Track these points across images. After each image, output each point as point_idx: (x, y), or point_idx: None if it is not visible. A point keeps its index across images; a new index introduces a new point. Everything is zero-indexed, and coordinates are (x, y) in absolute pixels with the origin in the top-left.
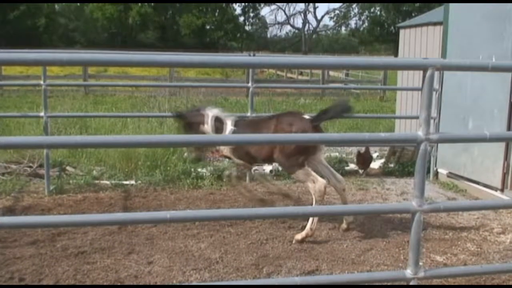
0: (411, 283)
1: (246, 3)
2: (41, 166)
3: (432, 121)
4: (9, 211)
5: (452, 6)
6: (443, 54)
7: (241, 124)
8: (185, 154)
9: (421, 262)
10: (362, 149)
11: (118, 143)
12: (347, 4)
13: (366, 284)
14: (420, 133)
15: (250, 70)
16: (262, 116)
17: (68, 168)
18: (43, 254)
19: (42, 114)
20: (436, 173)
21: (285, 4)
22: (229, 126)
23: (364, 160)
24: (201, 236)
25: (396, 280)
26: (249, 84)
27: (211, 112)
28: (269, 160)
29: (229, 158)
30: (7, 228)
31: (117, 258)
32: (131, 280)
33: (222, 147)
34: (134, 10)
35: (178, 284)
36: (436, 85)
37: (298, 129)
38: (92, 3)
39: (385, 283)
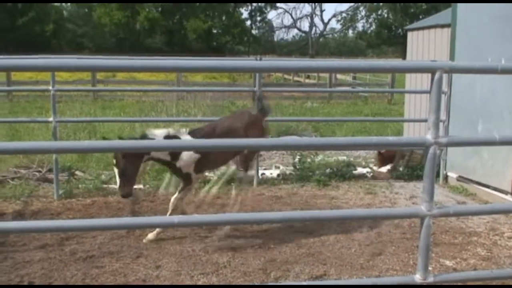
0: None
1: (256, 4)
2: (50, 170)
3: (441, 124)
4: (19, 215)
5: (460, 8)
6: (452, 57)
7: (203, 133)
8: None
9: (431, 267)
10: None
11: (126, 148)
12: (354, 7)
13: None
14: (429, 136)
15: (257, 74)
16: (216, 120)
17: (77, 172)
18: (52, 258)
19: (51, 119)
20: (446, 177)
21: (291, 7)
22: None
23: (383, 159)
24: (208, 240)
25: (405, 285)
26: (256, 88)
27: (154, 138)
28: (231, 161)
29: (185, 176)
30: (16, 232)
31: (125, 262)
32: (139, 284)
33: (184, 164)
34: (142, 15)
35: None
36: (444, 87)
37: (262, 122)
38: (100, 9)
39: None
